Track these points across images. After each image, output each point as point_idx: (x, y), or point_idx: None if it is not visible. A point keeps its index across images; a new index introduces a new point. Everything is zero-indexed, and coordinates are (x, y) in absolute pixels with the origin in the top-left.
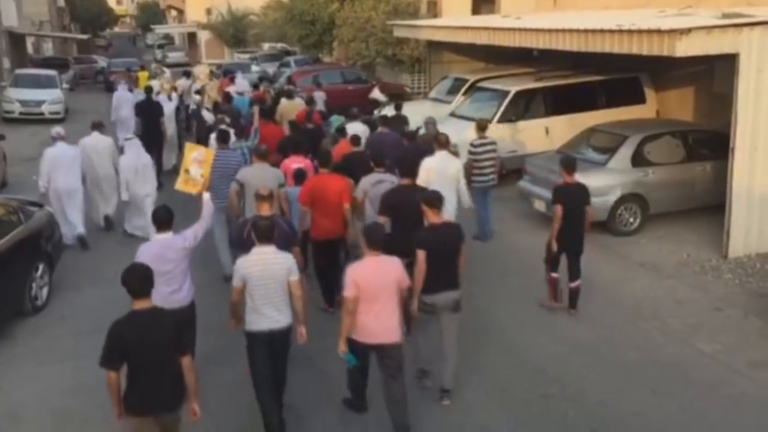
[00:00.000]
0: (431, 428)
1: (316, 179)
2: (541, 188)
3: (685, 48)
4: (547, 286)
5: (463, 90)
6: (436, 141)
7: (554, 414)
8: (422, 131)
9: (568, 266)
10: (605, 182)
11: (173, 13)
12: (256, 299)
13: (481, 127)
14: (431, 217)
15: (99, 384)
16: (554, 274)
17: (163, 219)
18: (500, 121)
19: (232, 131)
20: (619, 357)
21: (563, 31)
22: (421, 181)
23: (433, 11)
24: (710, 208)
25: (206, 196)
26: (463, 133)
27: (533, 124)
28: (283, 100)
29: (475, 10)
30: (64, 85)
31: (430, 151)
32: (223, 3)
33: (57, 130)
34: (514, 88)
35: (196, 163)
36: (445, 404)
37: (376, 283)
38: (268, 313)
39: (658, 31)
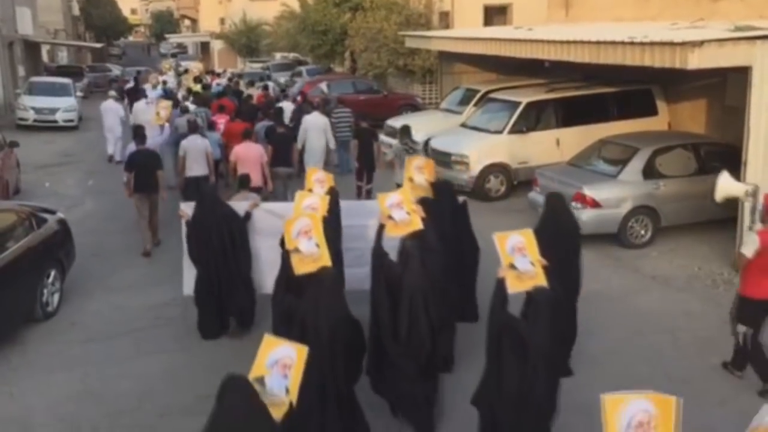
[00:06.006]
0: None
1: (229, 125)
2: None
3: (697, 60)
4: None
5: (474, 101)
6: (320, 107)
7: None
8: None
9: (366, 178)
10: (616, 194)
11: (187, 22)
12: (190, 160)
13: (339, 101)
14: (278, 129)
15: (108, 391)
16: (360, 183)
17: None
18: (511, 132)
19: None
20: (628, 370)
21: (575, 42)
22: (302, 130)
23: (445, 22)
24: (722, 220)
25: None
26: (474, 144)
27: (544, 136)
28: (251, 89)
29: (487, 21)
30: (78, 93)
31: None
32: (237, 13)
33: (111, 92)
34: (525, 99)
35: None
36: None
37: (246, 156)
38: (196, 167)
39: (671, 44)
